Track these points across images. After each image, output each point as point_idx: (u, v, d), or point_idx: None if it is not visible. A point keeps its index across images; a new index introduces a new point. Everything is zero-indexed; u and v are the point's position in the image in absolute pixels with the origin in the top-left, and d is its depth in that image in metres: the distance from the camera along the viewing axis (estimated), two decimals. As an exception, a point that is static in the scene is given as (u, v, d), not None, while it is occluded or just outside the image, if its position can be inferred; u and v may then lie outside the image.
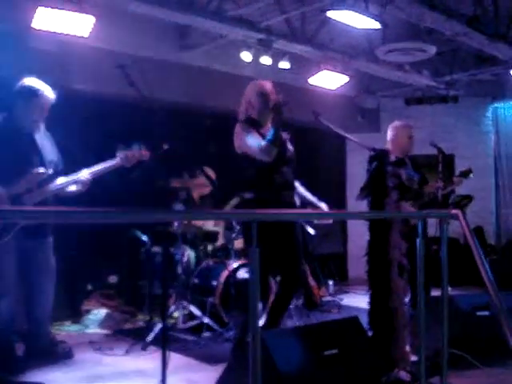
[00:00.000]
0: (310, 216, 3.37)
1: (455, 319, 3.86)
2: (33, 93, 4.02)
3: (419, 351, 3.36)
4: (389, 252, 3.72)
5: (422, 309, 3.37)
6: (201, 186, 6.31)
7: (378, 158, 3.73)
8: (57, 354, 4.28)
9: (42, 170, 3.96)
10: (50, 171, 4.03)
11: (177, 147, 5.41)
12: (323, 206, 4.44)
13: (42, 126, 4.14)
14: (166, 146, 3.44)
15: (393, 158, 4.13)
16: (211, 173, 6.52)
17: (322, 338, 3.17)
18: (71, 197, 4.20)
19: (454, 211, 3.40)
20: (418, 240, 3.31)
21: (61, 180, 4.09)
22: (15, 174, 3.89)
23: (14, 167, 3.92)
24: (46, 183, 4.00)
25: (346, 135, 4.15)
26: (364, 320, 3.76)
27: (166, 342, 3.13)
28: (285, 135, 4.13)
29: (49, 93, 4.06)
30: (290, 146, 4.15)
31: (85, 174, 4.11)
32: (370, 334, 3.71)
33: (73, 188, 4.18)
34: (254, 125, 3.99)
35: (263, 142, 3.82)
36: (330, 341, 3.17)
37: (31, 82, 4.06)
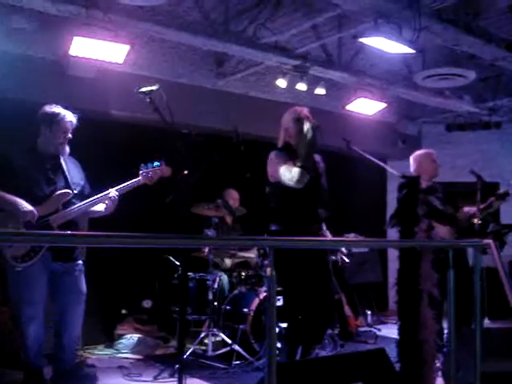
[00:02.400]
0: (331, 244, 3.29)
1: (491, 353, 3.70)
2: (54, 118, 4.11)
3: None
4: (419, 282, 3.60)
5: (454, 342, 3.25)
6: (235, 211, 6.29)
7: (408, 185, 3.64)
8: (81, 378, 4.26)
9: (66, 191, 4.02)
10: (75, 192, 4.10)
11: (212, 173, 5.45)
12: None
13: (67, 150, 4.19)
14: (204, 167, 3.44)
15: (423, 185, 4.03)
16: (235, 195, 6.51)
17: (346, 369, 3.07)
18: (99, 217, 4.25)
19: (485, 241, 3.28)
20: (449, 271, 3.21)
21: (82, 203, 4.14)
22: (41, 196, 3.97)
23: (40, 189, 4.00)
24: (71, 205, 4.06)
25: (378, 162, 4.08)
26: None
27: (183, 373, 3.07)
28: (321, 168, 4.08)
29: (69, 117, 4.14)
30: (323, 181, 4.09)
31: (112, 191, 4.16)
32: (398, 366, 3.58)
33: (100, 208, 4.22)
34: (290, 152, 3.93)
35: (295, 168, 3.77)
36: (355, 373, 3.07)
37: (51, 108, 4.14)
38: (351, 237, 7.00)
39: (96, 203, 4.16)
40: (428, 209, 3.63)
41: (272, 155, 3.95)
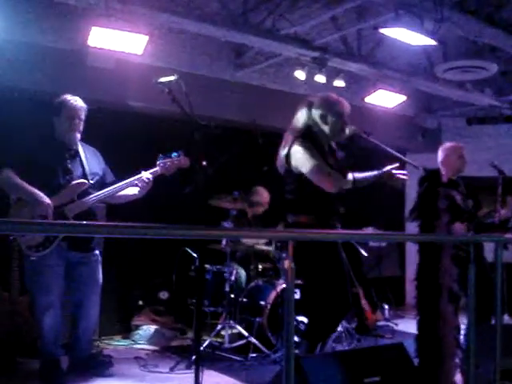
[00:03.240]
0: (350, 237, 3.24)
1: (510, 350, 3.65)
2: (59, 106, 4.11)
3: (470, 382, 3.19)
4: (439, 277, 3.56)
5: (473, 338, 3.21)
6: (255, 204, 6.29)
7: (429, 178, 3.59)
8: (97, 368, 4.28)
9: (82, 181, 4.03)
10: (92, 182, 4.10)
11: (230, 165, 5.43)
12: None
13: (77, 137, 4.18)
14: (222, 159, 3.40)
15: (445, 179, 3.97)
16: (265, 193, 6.49)
17: (364, 364, 3.04)
18: (130, 200, 4.25)
19: (508, 235, 3.23)
20: (470, 266, 3.16)
21: (112, 186, 4.14)
22: (57, 185, 3.98)
23: (56, 179, 4.01)
24: (87, 194, 4.06)
25: (398, 155, 4.00)
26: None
27: (199, 364, 3.06)
28: (341, 154, 3.94)
29: (74, 101, 4.12)
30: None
31: (146, 174, 4.15)
32: (416, 361, 3.55)
33: (134, 191, 4.21)
34: (317, 145, 3.69)
35: (333, 174, 3.56)
36: (372, 368, 3.03)
37: (60, 97, 4.15)
38: (369, 230, 6.95)
39: (126, 187, 4.16)
40: (449, 203, 3.58)
41: (301, 148, 3.61)
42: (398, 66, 6.64)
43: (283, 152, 3.72)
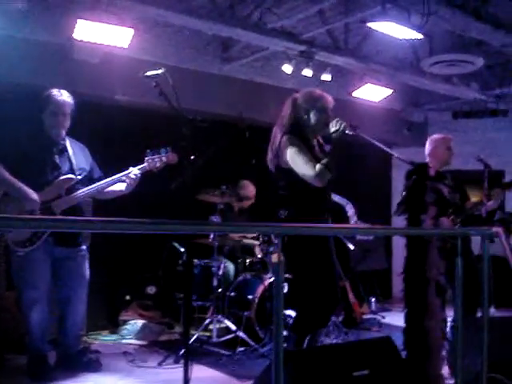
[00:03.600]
0: (341, 231, 3.25)
1: (498, 342, 3.68)
2: (45, 100, 4.08)
3: (457, 375, 3.21)
4: (426, 270, 3.57)
5: (461, 330, 3.22)
6: (242, 198, 6.29)
7: (417, 172, 3.60)
8: (84, 364, 4.26)
9: (70, 176, 4.00)
10: (79, 177, 4.07)
11: (217, 159, 5.42)
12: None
13: (63, 132, 4.14)
14: (209, 153, 3.39)
15: (432, 172, 3.98)
16: (251, 187, 6.49)
17: (352, 357, 3.05)
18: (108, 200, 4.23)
19: (494, 228, 3.24)
20: (457, 259, 3.17)
21: (100, 182, 4.12)
22: (45, 181, 3.95)
23: (44, 174, 3.98)
24: (74, 190, 4.04)
25: (386, 149, 4.00)
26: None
27: (188, 359, 3.05)
28: (327, 148, 3.91)
29: (59, 96, 4.09)
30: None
31: (134, 170, 4.12)
32: (404, 354, 3.57)
33: (121, 187, 4.19)
34: (304, 140, 3.73)
35: (318, 167, 3.57)
36: (361, 361, 3.04)
37: (47, 92, 4.12)
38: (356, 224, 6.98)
39: (114, 183, 4.13)
40: (436, 196, 3.59)
41: (288, 143, 3.66)
42: (384, 59, 6.65)
43: (273, 148, 3.76)
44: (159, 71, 3.38)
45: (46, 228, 3.19)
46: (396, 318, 7.10)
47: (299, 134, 3.74)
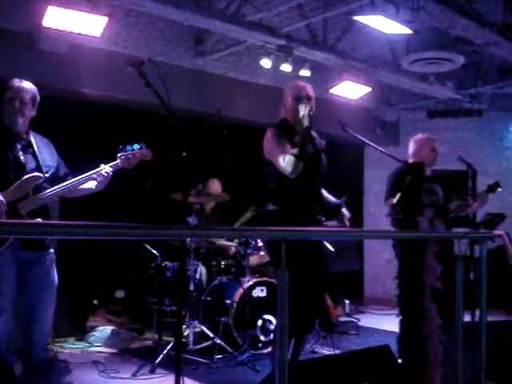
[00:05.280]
0: (344, 234, 3.05)
1: (490, 348, 3.54)
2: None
3: (454, 382, 3.06)
4: (422, 275, 3.40)
5: (460, 336, 3.07)
6: (211, 197, 6.02)
7: (412, 171, 3.42)
8: (53, 375, 3.96)
9: (37, 174, 3.68)
10: (47, 175, 3.75)
11: (191, 156, 5.16)
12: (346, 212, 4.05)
13: (20, 122, 3.82)
14: (183, 154, 3.13)
15: (428, 172, 3.81)
16: (217, 185, 6.23)
17: (353, 369, 2.86)
18: (87, 195, 3.93)
19: (497, 232, 3.10)
20: (456, 263, 3.01)
21: (70, 180, 3.81)
22: (8, 179, 3.62)
23: (8, 172, 3.65)
24: (42, 189, 3.72)
25: (376, 147, 3.86)
26: (385, 343, 3.45)
27: (180, 370, 2.80)
28: (321, 145, 3.85)
29: (18, 82, 3.77)
30: (323, 157, 3.84)
31: (105, 167, 3.82)
32: (399, 361, 3.39)
33: (91, 185, 3.89)
34: (287, 130, 3.65)
35: (288, 157, 3.47)
36: (361, 373, 2.86)
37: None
38: (332, 225, 6.82)
39: (85, 181, 3.83)
40: (432, 198, 3.43)
41: (269, 133, 3.63)
42: (362, 56, 6.50)
43: None
44: (144, 59, 3.11)
45: (8, 233, 2.87)
46: (371, 321, 7.00)
47: (285, 125, 3.70)
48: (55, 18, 4.34)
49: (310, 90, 3.71)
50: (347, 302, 7.35)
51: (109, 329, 5.47)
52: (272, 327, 4.93)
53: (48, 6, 4.22)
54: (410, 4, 4.31)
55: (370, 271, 8.93)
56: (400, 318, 3.51)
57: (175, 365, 2.79)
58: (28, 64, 5.13)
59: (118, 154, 3.88)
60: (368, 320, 7.02)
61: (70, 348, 5.14)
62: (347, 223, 3.83)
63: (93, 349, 5.16)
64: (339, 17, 5.86)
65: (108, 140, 5.37)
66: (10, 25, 5.12)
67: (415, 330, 3.39)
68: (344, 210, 3.88)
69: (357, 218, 8.78)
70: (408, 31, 4.64)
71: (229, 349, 4.80)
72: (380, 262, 8.23)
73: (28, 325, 3.94)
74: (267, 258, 5.57)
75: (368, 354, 3.08)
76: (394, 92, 8.25)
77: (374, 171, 8.77)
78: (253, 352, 4.83)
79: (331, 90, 6.47)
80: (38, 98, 3.86)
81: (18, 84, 3.77)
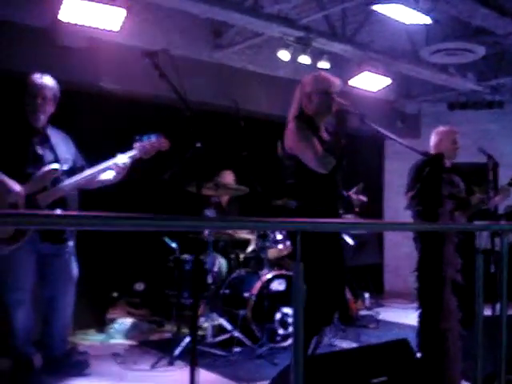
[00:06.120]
0: (363, 226, 3.01)
1: (510, 342, 3.49)
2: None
3: (473, 376, 3.02)
4: (442, 268, 3.35)
5: (480, 330, 3.03)
6: (227, 190, 5.99)
7: (432, 163, 3.37)
8: (72, 366, 3.99)
9: (55, 167, 3.70)
10: (65, 168, 3.77)
11: (208, 149, 5.15)
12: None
13: (42, 118, 3.83)
14: (198, 145, 3.11)
15: (448, 163, 3.75)
16: (230, 177, 6.20)
17: (370, 363, 2.83)
18: (107, 185, 3.95)
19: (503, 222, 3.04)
20: (477, 255, 2.97)
21: (88, 171, 3.83)
22: (27, 173, 3.65)
23: (27, 166, 3.68)
24: (60, 182, 3.74)
25: (395, 138, 3.79)
26: (405, 337, 3.41)
27: (195, 361, 2.80)
28: (343, 141, 3.78)
29: (39, 79, 3.78)
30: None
31: (122, 158, 3.82)
32: (418, 355, 3.35)
33: (108, 176, 3.91)
34: (310, 125, 3.58)
35: (321, 152, 3.41)
36: (379, 367, 2.83)
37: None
38: (350, 218, 6.78)
39: (102, 172, 3.85)
40: (452, 189, 3.38)
41: (292, 127, 3.54)
42: (381, 48, 6.43)
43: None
44: (158, 49, 3.09)
45: (31, 225, 2.88)
46: (391, 314, 6.95)
47: (305, 118, 3.59)
48: (72, 11, 4.35)
49: (339, 85, 3.63)
50: (367, 295, 7.30)
51: (128, 321, 5.49)
52: (290, 320, 4.91)
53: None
54: (429, -7, 4.24)
55: (391, 264, 8.87)
56: (419, 311, 3.46)
57: (191, 357, 2.76)
58: (47, 59, 5.15)
59: (135, 144, 3.89)
60: (388, 314, 6.97)
61: (89, 340, 5.17)
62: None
63: (112, 341, 5.19)
64: (358, 8, 5.81)
65: (126, 133, 5.39)
66: (30, 20, 5.14)
67: (434, 324, 3.34)
68: (360, 196, 3.81)
69: (377, 212, 8.75)
70: (428, 21, 4.58)
71: (247, 342, 4.79)
72: (400, 255, 8.16)
73: (48, 317, 3.99)
74: (286, 251, 5.56)
75: (386, 348, 3.05)
76: (414, 84, 8.17)
77: (394, 164, 8.69)
78: (271, 345, 4.82)
79: (350, 82, 6.41)
80: (59, 94, 3.89)
81: (39, 81, 3.80)
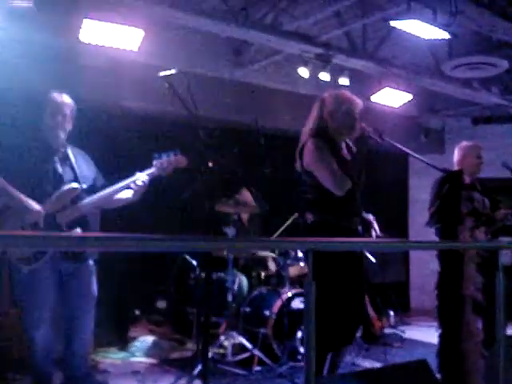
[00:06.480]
0: (376, 246, 2.97)
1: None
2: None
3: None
4: (462, 286, 3.29)
5: (502, 351, 2.95)
6: (247, 207, 5.99)
7: (451, 179, 3.32)
8: (92, 385, 3.99)
9: (74, 185, 3.72)
10: (84, 186, 3.79)
11: (229, 167, 5.17)
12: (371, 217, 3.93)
13: (61, 136, 3.87)
14: (210, 165, 3.11)
15: (467, 180, 3.69)
16: (248, 195, 6.20)
17: (388, 384, 2.77)
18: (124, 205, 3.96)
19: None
20: (497, 273, 2.90)
21: (107, 190, 3.85)
22: (46, 192, 3.68)
23: (46, 184, 3.71)
24: (79, 200, 3.76)
25: (414, 154, 3.78)
26: (431, 357, 3.34)
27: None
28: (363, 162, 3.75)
29: (59, 97, 3.82)
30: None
31: (141, 176, 3.84)
32: (438, 377, 3.28)
33: (127, 194, 3.92)
34: (331, 144, 3.57)
35: (338, 175, 3.41)
36: (397, 388, 2.76)
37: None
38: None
39: (121, 190, 3.86)
40: (472, 206, 3.32)
41: (312, 146, 3.52)
42: (403, 63, 6.39)
43: (298, 151, 3.62)
44: (173, 71, 3.12)
45: (53, 247, 2.90)
46: (416, 333, 6.84)
47: (325, 136, 3.59)
48: (91, 32, 4.41)
49: (361, 105, 3.64)
50: (392, 313, 7.19)
51: (150, 339, 5.48)
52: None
53: (84, 18, 4.28)
54: (447, 8, 4.20)
55: (417, 282, 8.74)
56: (439, 331, 3.40)
57: (202, 376, 2.75)
58: (69, 78, 5.23)
59: (154, 162, 3.90)
60: (414, 332, 6.86)
61: (111, 358, 5.18)
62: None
63: (133, 359, 5.19)
64: (378, 24, 5.79)
65: (146, 151, 5.43)
66: (52, 40, 5.23)
67: (455, 344, 3.28)
68: (374, 224, 3.77)
69: (402, 228, 8.65)
70: (446, 36, 4.53)
71: (267, 361, 4.75)
72: (427, 272, 8.01)
73: (68, 335, 3.98)
74: (307, 269, 5.51)
75: (404, 369, 2.98)
76: (438, 99, 8.09)
77: (419, 180, 8.59)
78: (292, 364, 4.77)
79: (372, 98, 6.37)
80: (75, 111, 3.94)
81: (59, 99, 3.84)
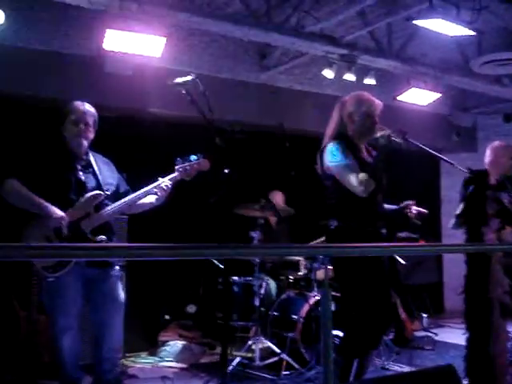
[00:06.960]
0: (395, 251, 2.92)
1: None
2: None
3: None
4: (489, 289, 3.21)
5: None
6: (279, 209, 5.97)
7: (476, 180, 3.25)
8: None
9: (98, 192, 3.75)
10: (108, 193, 3.82)
11: (255, 170, 5.16)
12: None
13: (84, 144, 3.90)
14: (225, 171, 3.10)
15: (493, 180, 3.61)
16: (280, 197, 6.17)
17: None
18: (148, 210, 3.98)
19: None
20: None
21: (130, 196, 3.87)
22: (72, 199, 3.72)
23: (70, 192, 3.75)
24: (103, 206, 3.79)
25: (438, 154, 3.70)
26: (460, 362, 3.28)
27: None
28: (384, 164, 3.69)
29: (82, 105, 3.85)
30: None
31: (164, 180, 3.85)
32: (465, 382, 3.22)
33: (151, 199, 3.94)
34: (350, 146, 3.53)
35: (362, 176, 3.35)
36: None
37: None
38: (404, 236, 6.62)
39: (145, 196, 3.88)
40: (498, 207, 3.24)
41: (332, 149, 3.49)
42: (430, 61, 6.30)
43: (318, 154, 3.60)
44: (189, 77, 3.12)
45: (78, 257, 2.92)
46: (450, 335, 6.70)
47: (346, 138, 3.56)
48: (115, 41, 4.47)
49: (381, 107, 3.60)
50: (424, 315, 7.08)
51: (180, 343, 5.50)
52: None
53: (107, 29, 4.33)
54: (471, 4, 4.12)
55: (451, 283, 8.57)
56: (467, 335, 3.33)
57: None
58: (95, 87, 5.30)
59: (176, 167, 3.91)
60: (446, 334, 6.73)
61: (141, 363, 5.22)
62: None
63: (163, 363, 5.21)
64: (404, 23, 5.71)
65: (172, 156, 5.47)
66: (78, 50, 5.31)
67: (483, 348, 3.21)
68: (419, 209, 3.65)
69: (435, 228, 8.51)
70: (471, 33, 4.44)
71: (296, 365, 4.72)
72: (461, 273, 7.89)
73: (97, 341, 4.01)
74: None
75: (429, 374, 2.92)
76: (469, 96, 7.95)
77: (450, 179, 8.44)
78: (320, 368, 4.72)
79: (398, 98, 6.29)
80: (97, 119, 3.97)
81: (82, 107, 3.88)
